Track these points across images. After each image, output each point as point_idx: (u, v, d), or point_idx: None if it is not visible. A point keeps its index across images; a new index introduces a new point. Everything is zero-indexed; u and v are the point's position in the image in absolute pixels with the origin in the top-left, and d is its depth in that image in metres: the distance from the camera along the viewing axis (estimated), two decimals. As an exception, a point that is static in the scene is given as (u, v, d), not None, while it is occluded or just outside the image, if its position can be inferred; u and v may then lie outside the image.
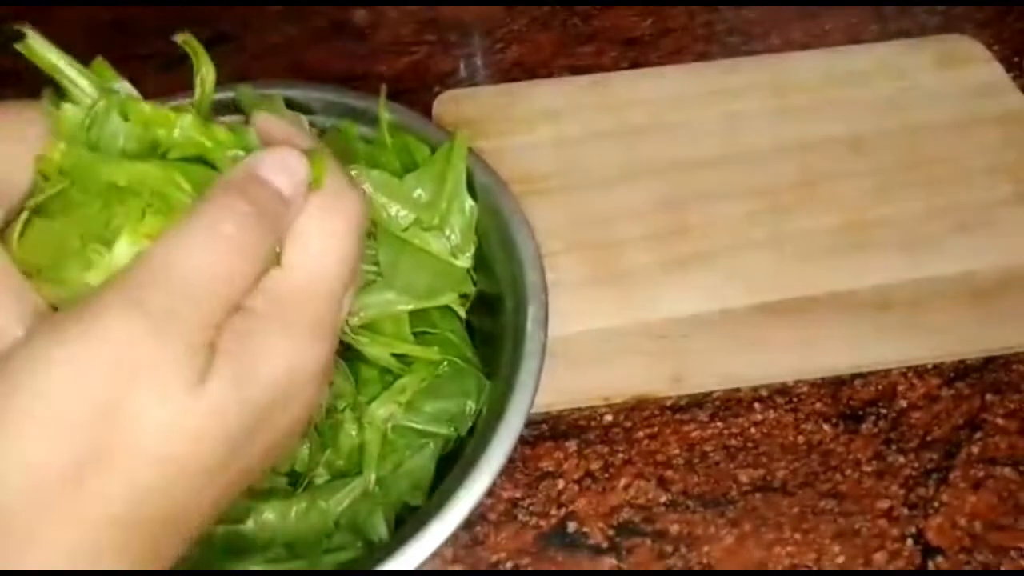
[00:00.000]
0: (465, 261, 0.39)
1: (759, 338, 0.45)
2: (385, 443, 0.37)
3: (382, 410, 0.36)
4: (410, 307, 0.38)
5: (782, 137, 0.54)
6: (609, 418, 0.44)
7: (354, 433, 0.37)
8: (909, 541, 0.40)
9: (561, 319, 0.46)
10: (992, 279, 0.47)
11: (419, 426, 0.37)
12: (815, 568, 0.39)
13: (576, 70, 0.59)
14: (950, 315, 0.46)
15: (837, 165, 0.53)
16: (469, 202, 0.39)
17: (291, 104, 0.40)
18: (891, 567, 0.39)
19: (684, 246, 0.49)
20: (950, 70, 0.57)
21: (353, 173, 0.37)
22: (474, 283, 0.40)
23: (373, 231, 0.38)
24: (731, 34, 0.61)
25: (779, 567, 0.39)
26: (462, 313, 0.40)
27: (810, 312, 0.46)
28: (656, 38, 0.61)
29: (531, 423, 0.43)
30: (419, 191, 0.39)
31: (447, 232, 0.39)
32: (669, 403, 0.44)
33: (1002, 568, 0.39)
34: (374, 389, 0.37)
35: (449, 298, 0.39)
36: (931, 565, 0.39)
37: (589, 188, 0.52)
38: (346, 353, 0.37)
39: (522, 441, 0.43)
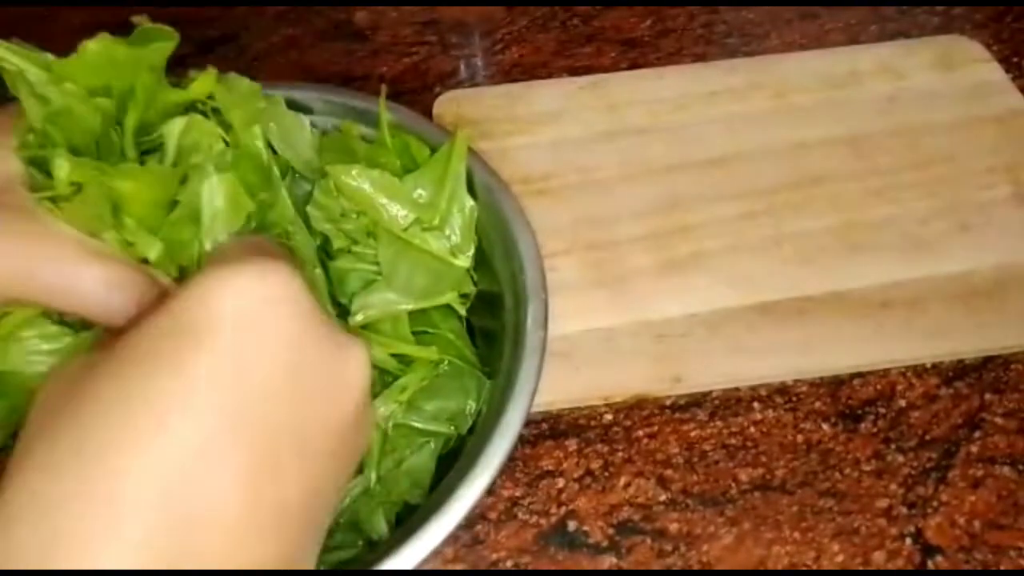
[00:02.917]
0: (465, 261, 0.39)
1: (758, 338, 0.45)
2: (385, 441, 0.37)
3: (382, 409, 0.36)
4: (410, 307, 0.38)
5: (782, 138, 0.54)
6: (609, 417, 0.44)
7: None
8: (908, 540, 0.40)
9: (561, 319, 0.46)
10: (991, 279, 0.47)
11: (419, 425, 0.37)
12: (814, 567, 0.39)
13: (576, 71, 0.59)
14: (949, 315, 0.46)
15: (836, 165, 0.53)
16: (469, 202, 0.39)
17: (292, 105, 0.41)
18: (890, 566, 0.39)
19: (684, 246, 0.49)
20: (949, 71, 0.57)
21: (354, 172, 0.38)
22: (474, 282, 0.40)
23: (373, 231, 0.38)
24: (730, 35, 0.62)
25: (778, 566, 0.39)
26: (462, 312, 0.40)
27: (809, 312, 0.46)
28: (656, 39, 0.61)
29: (531, 422, 0.44)
30: (419, 191, 0.39)
31: (447, 232, 0.39)
32: (669, 402, 0.44)
33: (1001, 567, 0.39)
34: (374, 388, 0.37)
35: (449, 297, 0.39)
36: (930, 564, 0.39)
37: (589, 188, 0.52)
38: None
39: (522, 440, 0.43)
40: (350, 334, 0.27)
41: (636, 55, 0.60)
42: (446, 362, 0.38)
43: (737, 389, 0.45)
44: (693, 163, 0.53)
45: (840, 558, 0.39)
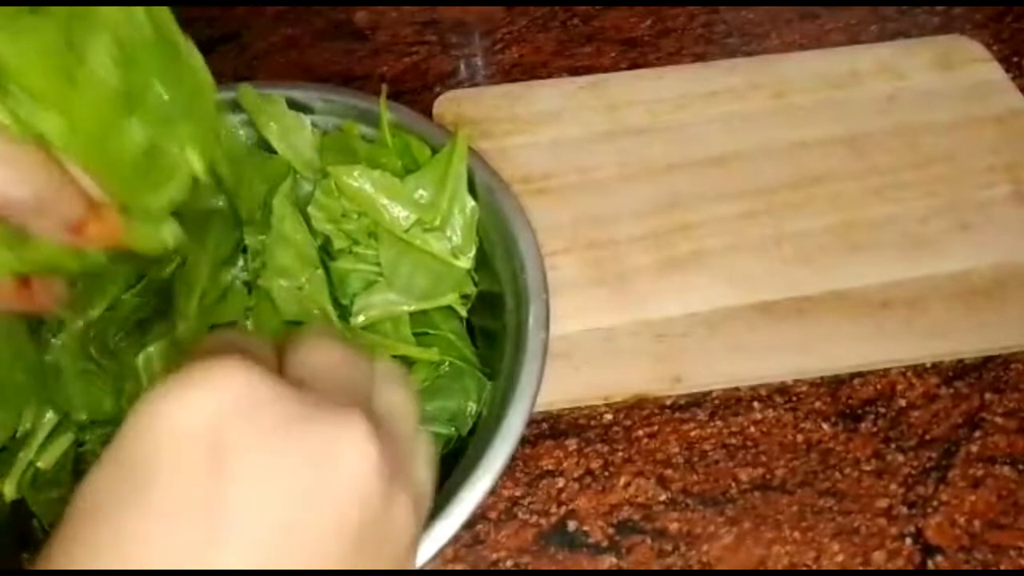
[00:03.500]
0: (466, 261, 0.39)
1: (758, 337, 0.45)
2: None
3: None
4: (411, 308, 0.38)
5: (781, 137, 0.54)
6: (609, 417, 0.44)
7: None
8: (908, 540, 0.40)
9: (561, 319, 0.46)
10: (991, 278, 0.47)
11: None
12: (814, 567, 0.39)
13: (576, 70, 0.59)
14: (949, 314, 0.46)
15: (836, 165, 0.53)
16: (470, 202, 0.39)
17: (292, 104, 0.41)
18: (890, 566, 0.39)
19: (683, 246, 0.49)
20: (949, 70, 0.57)
21: (355, 173, 0.38)
22: (475, 283, 0.40)
23: (375, 231, 0.39)
24: (730, 35, 0.61)
25: (778, 566, 0.39)
26: (463, 313, 0.40)
27: (809, 312, 0.46)
28: (656, 39, 0.61)
29: (531, 422, 0.43)
30: (420, 192, 0.39)
31: (448, 232, 0.39)
32: (669, 402, 0.44)
33: (1001, 567, 0.39)
34: None
35: (450, 298, 0.39)
36: (930, 564, 0.39)
37: (589, 188, 0.52)
38: None
39: (522, 440, 0.43)
40: (335, 404, 0.22)
41: (636, 55, 0.60)
42: (447, 363, 0.38)
43: (737, 389, 0.45)
44: (693, 163, 0.53)
45: (840, 558, 0.39)
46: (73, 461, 0.37)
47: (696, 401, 0.44)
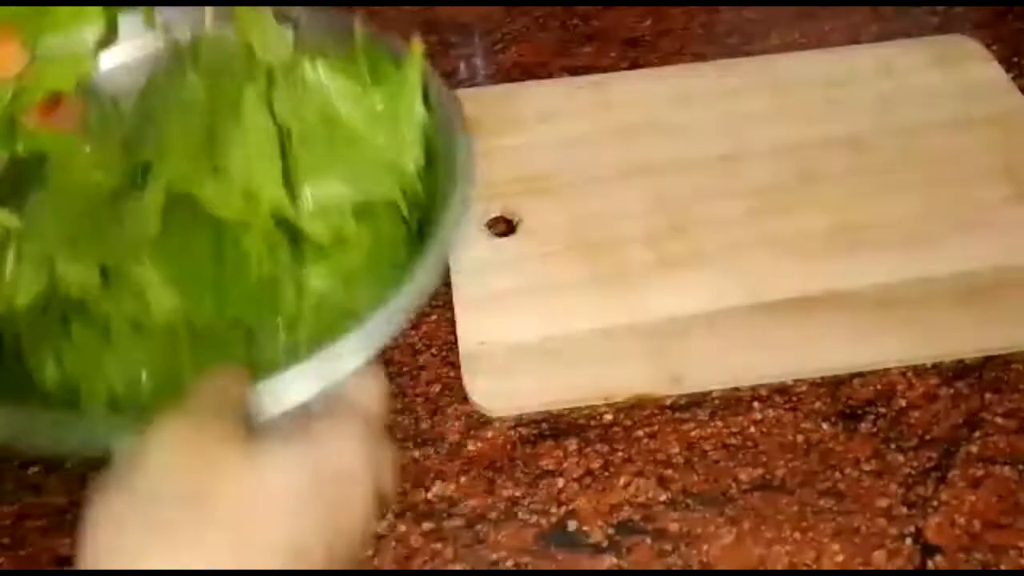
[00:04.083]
0: (412, 163, 0.41)
1: (758, 337, 0.45)
2: (319, 317, 0.38)
3: (318, 283, 0.38)
4: (356, 198, 0.40)
5: (781, 137, 0.54)
6: (609, 417, 0.44)
7: (292, 299, 0.38)
8: (908, 540, 0.40)
9: (561, 319, 0.46)
10: (990, 278, 0.47)
11: (351, 307, 0.38)
12: (814, 567, 0.39)
13: (576, 70, 0.59)
14: (948, 314, 0.46)
15: (836, 165, 0.53)
16: (420, 110, 0.41)
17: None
18: (890, 566, 0.39)
19: (683, 246, 0.49)
20: (949, 70, 0.57)
21: (320, 68, 0.40)
22: (420, 188, 0.41)
23: (330, 126, 0.40)
24: (730, 34, 0.62)
25: (778, 566, 0.39)
26: (405, 213, 0.41)
27: (809, 311, 0.46)
28: (655, 39, 0.61)
29: (531, 422, 0.44)
30: (378, 100, 0.41)
31: (397, 137, 0.41)
32: (669, 402, 0.44)
33: (1001, 567, 0.39)
34: (311, 261, 0.39)
35: (393, 194, 0.40)
36: (930, 564, 0.39)
37: (588, 188, 0.52)
38: (290, 229, 0.39)
39: (522, 440, 0.43)
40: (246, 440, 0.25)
41: (636, 55, 0.60)
42: (383, 252, 0.39)
43: (737, 389, 0.44)
44: (693, 162, 0.53)
45: (840, 558, 0.39)
46: (46, 299, 0.38)
47: (696, 401, 0.44)
